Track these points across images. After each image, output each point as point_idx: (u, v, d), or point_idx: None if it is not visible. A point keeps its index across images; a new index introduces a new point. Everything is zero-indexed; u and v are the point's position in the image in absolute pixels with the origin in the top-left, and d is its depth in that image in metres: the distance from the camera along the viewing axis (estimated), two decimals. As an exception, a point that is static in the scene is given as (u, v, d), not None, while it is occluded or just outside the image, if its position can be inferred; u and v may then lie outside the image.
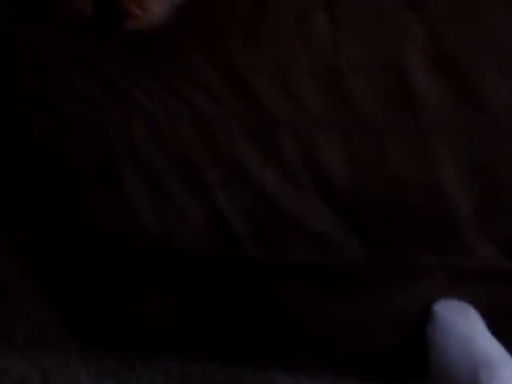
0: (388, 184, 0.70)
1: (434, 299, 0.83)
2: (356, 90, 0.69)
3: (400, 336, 0.86)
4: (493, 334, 0.80)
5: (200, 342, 0.95)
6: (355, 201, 0.71)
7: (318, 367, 0.99)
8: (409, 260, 0.75)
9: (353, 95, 0.69)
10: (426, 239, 0.73)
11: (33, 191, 0.80)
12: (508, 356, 0.77)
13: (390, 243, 0.73)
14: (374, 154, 0.69)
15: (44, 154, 0.76)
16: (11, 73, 0.77)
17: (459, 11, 0.69)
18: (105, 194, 0.77)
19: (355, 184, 0.70)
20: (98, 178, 0.76)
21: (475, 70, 0.67)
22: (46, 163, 0.76)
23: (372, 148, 0.69)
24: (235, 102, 0.72)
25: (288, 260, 0.77)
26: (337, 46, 0.70)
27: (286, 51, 0.71)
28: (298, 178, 0.72)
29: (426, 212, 0.71)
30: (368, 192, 0.71)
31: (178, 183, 0.74)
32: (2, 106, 0.80)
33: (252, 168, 0.72)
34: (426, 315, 0.83)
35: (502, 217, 0.71)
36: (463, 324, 0.81)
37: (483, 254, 0.73)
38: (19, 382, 1.01)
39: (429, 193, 0.70)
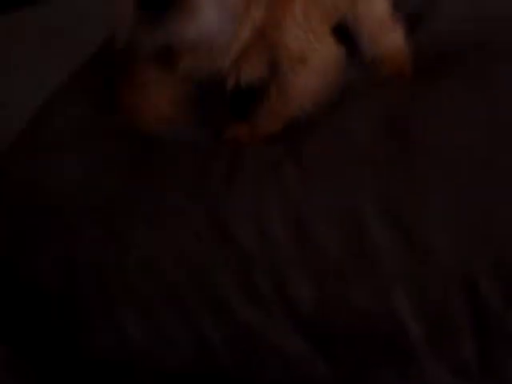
0: (350, 315, 0.79)
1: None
2: (320, 232, 0.81)
3: None
4: None
5: None
6: (321, 329, 0.81)
7: None
8: (370, 380, 0.83)
9: (318, 237, 0.81)
10: (386, 362, 0.82)
11: (33, 318, 0.89)
12: None
13: (353, 365, 0.82)
14: (337, 289, 0.79)
15: (48, 289, 0.86)
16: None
17: (402, 167, 0.83)
18: (100, 320, 0.85)
19: (321, 314, 0.80)
20: (94, 306, 0.86)
21: (419, 223, 0.79)
22: (48, 296, 0.86)
23: (336, 284, 0.80)
24: (216, 241, 0.83)
25: (265, 379, 0.86)
26: (303, 194, 0.83)
27: (260, 197, 0.84)
28: (270, 308, 0.81)
29: (385, 339, 0.81)
30: (332, 321, 0.80)
31: (168, 311, 0.83)
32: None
33: (232, 300, 0.82)
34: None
35: (450, 341, 0.80)
36: None
37: (437, 375, 0.82)
38: None
39: (386, 323, 0.79)
